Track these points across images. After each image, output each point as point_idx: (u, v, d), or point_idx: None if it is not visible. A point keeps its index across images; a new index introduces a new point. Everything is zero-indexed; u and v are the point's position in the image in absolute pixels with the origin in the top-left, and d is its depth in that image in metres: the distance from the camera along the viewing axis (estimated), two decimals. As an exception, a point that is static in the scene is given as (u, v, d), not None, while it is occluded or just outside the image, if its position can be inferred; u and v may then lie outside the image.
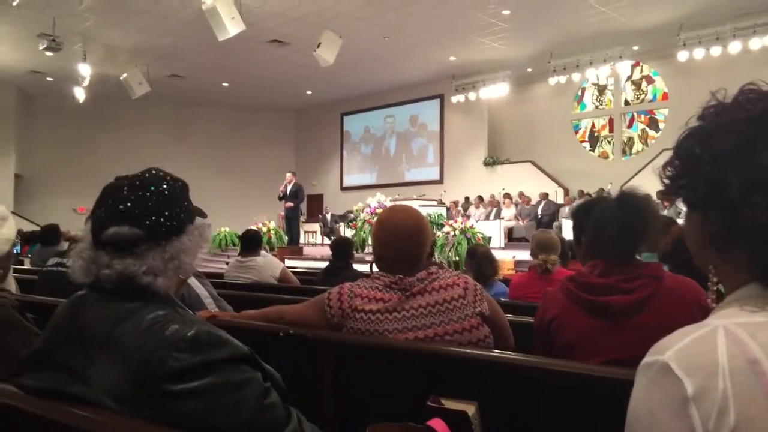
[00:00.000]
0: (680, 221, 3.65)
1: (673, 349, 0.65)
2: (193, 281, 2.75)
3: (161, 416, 1.00)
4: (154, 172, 1.24)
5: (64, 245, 6.50)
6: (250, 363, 1.11)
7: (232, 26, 10.35)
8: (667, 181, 0.79)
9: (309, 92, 18.67)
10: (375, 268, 1.97)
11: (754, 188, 0.68)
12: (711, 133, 0.74)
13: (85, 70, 13.78)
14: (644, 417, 0.65)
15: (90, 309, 1.13)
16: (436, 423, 1.09)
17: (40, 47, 12.34)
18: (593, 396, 1.44)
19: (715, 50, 12.33)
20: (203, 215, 1.31)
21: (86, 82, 14.22)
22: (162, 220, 1.16)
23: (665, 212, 11.13)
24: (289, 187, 12.45)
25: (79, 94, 14.97)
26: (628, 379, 1.36)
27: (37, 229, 9.03)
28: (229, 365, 1.06)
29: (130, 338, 1.06)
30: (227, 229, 13.09)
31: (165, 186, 1.21)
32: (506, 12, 11.83)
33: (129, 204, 1.15)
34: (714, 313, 0.73)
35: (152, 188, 1.18)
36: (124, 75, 14.60)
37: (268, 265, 4.88)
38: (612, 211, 1.82)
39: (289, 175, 12.66)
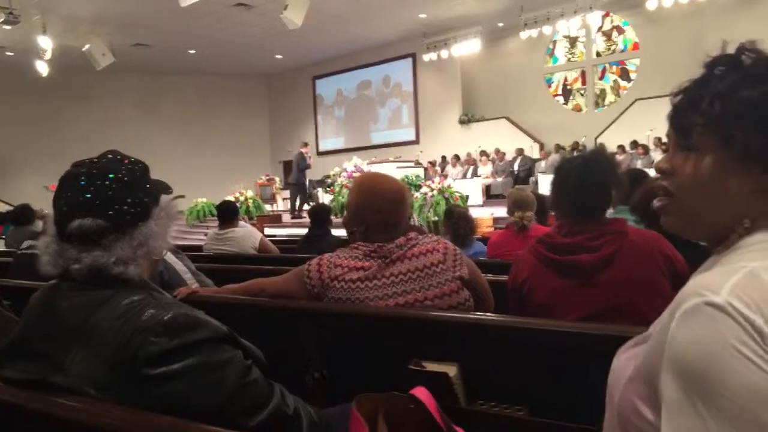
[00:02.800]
0: (651, 173, 3.69)
1: (726, 288, 0.65)
2: (170, 257, 2.73)
3: (143, 401, 1.00)
4: (110, 156, 1.21)
5: (39, 224, 6.40)
6: (230, 342, 1.11)
7: (195, -9, 10.05)
8: (730, 132, 0.75)
9: (279, 56, 18.27)
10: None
11: None
12: None
13: (45, 42, 13.28)
14: (717, 356, 0.63)
15: (63, 298, 1.12)
16: (420, 391, 1.11)
17: (-3, 21, 11.88)
18: (569, 352, 1.48)
19: (685, -3, 12.29)
20: (168, 190, 1.27)
21: (48, 56, 13.72)
22: (125, 207, 1.14)
23: (638, 162, 11.26)
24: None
25: (42, 68, 14.45)
26: (601, 334, 1.42)
27: (11, 208, 8.86)
28: (208, 346, 1.06)
29: (105, 325, 1.05)
30: (205, 200, 12.96)
31: (124, 171, 1.18)
32: (475, -34, 11.64)
33: (89, 195, 1.12)
34: (729, 256, 0.75)
35: (110, 176, 1.15)
36: (87, 46, 14.13)
37: (247, 235, 4.86)
38: (574, 172, 1.85)
39: (306, 147, 13.31)
